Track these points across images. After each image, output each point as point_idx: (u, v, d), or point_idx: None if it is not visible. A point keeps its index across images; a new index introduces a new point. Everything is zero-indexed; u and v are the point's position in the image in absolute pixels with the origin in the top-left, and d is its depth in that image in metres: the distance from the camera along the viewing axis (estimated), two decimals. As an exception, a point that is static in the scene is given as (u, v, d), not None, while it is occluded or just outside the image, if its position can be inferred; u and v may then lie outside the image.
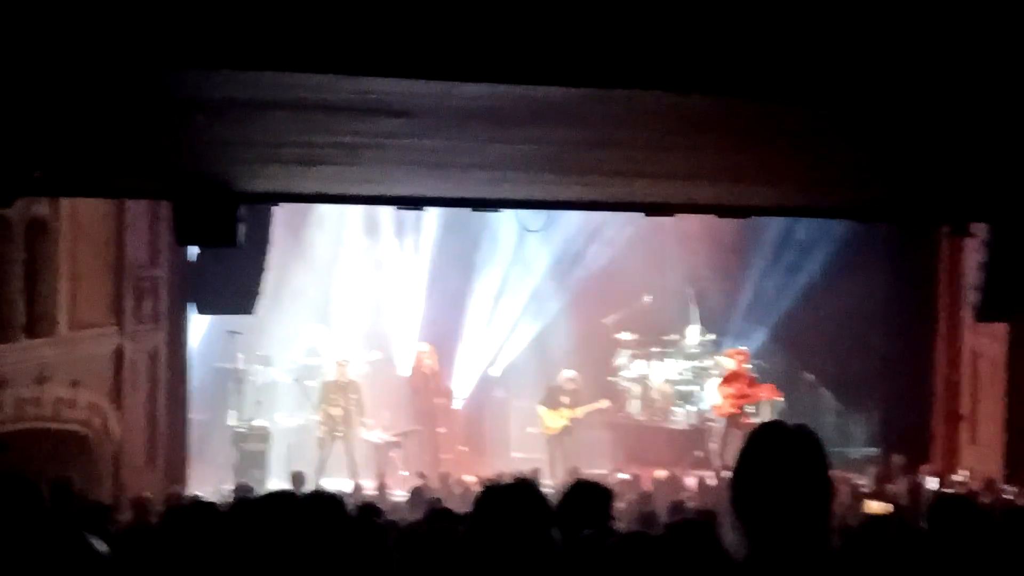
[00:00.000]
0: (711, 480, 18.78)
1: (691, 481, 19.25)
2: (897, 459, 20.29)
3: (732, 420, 21.81)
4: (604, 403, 22.71)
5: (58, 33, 5.85)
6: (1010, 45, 6.28)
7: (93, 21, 5.80)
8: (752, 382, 22.27)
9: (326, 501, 7.42)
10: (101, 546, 5.08)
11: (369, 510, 10.73)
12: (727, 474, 18.89)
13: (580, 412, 22.32)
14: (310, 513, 5.23)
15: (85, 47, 5.95)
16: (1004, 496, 16.37)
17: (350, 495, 16.73)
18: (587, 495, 7.03)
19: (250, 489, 15.98)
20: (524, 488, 4.47)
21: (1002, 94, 6.89)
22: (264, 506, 5.19)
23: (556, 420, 22.28)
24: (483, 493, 4.48)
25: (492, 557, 4.33)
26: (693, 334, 24.48)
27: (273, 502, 5.30)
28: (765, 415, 21.84)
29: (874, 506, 14.87)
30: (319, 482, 19.77)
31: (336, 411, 21.06)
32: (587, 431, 23.05)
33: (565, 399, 22.38)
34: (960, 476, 19.54)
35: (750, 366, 22.72)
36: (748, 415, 21.78)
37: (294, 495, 5.87)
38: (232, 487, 17.28)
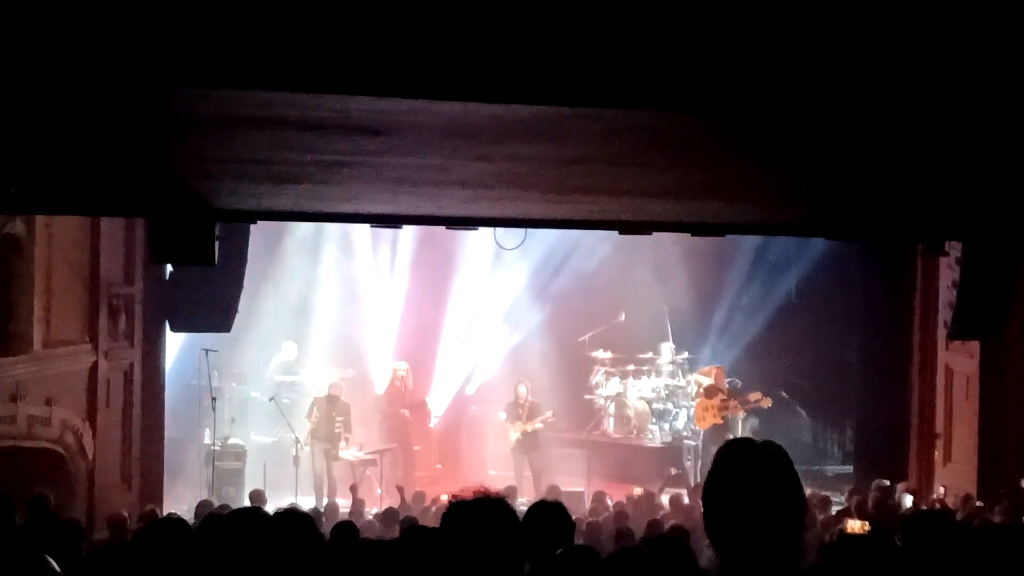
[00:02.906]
0: (685, 498, 18.80)
1: (666, 499, 19.25)
2: (872, 477, 20.32)
3: (710, 436, 21.88)
4: (548, 415, 22.68)
5: (34, 51, 5.84)
6: (984, 66, 6.32)
7: (70, 39, 5.80)
8: (733, 394, 22.36)
9: (298, 519, 7.41)
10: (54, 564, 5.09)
11: (344, 528, 10.72)
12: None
13: (529, 426, 22.34)
14: (282, 531, 5.22)
15: (61, 65, 5.95)
16: (979, 513, 16.41)
17: (324, 513, 16.70)
18: (549, 515, 7.04)
19: (227, 507, 15.95)
20: (491, 503, 4.48)
21: (976, 114, 6.93)
22: (235, 523, 5.18)
23: (512, 432, 22.34)
24: (450, 509, 4.48)
25: (461, 572, 4.33)
26: (667, 351, 24.54)
27: (244, 519, 5.29)
28: (739, 432, 21.91)
29: (853, 525, 14.88)
30: (296, 500, 19.77)
31: (338, 429, 21.07)
32: (562, 449, 23.09)
33: (521, 411, 22.44)
34: (936, 493, 19.61)
35: (725, 383, 22.79)
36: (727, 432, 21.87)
37: (264, 513, 5.87)
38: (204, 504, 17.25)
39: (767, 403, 22.29)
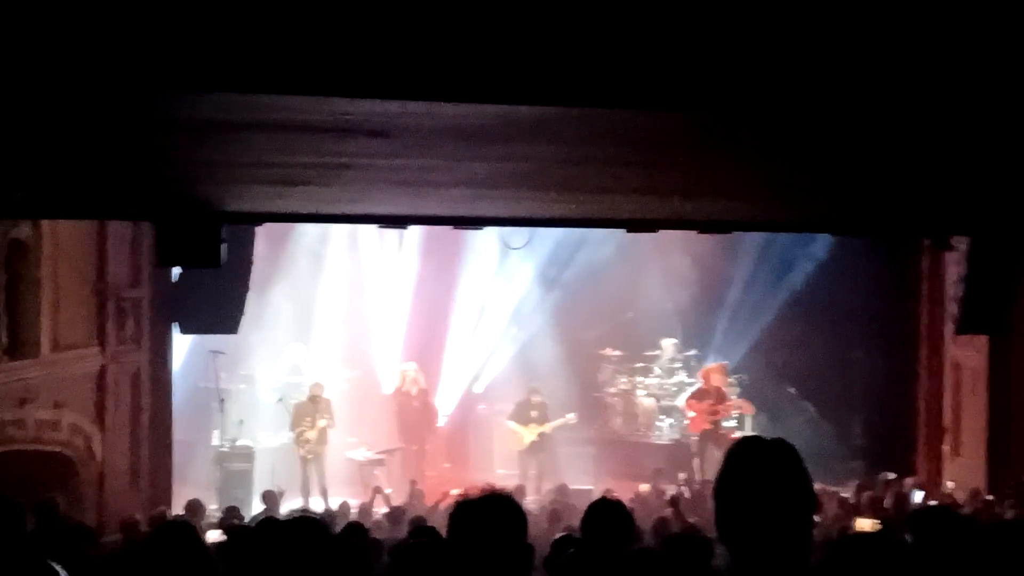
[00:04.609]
0: (687, 494, 18.80)
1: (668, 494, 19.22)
2: (881, 472, 20.31)
3: (707, 435, 21.91)
4: (571, 417, 22.71)
5: (38, 55, 5.85)
6: (989, 60, 6.32)
7: (74, 43, 5.81)
8: (723, 398, 22.36)
9: (310, 522, 7.41)
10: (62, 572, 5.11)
11: (354, 530, 10.74)
12: (697, 488, 19.03)
13: (548, 427, 22.36)
14: (295, 534, 5.23)
15: (67, 69, 5.96)
16: (989, 507, 16.41)
17: (334, 513, 16.72)
18: (608, 514, 7.01)
19: (237, 511, 15.97)
20: (499, 500, 4.47)
21: (982, 109, 6.93)
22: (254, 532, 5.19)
23: (526, 435, 22.32)
24: (457, 507, 4.48)
25: (470, 570, 4.32)
26: (668, 347, 24.54)
27: (262, 526, 5.30)
28: (746, 429, 21.92)
29: (863, 523, 14.88)
30: (308, 501, 19.82)
31: (311, 433, 21.03)
32: (571, 447, 23.09)
33: (534, 413, 22.41)
34: (946, 488, 19.59)
35: (732, 379, 22.79)
36: (728, 430, 21.88)
37: (277, 519, 5.88)
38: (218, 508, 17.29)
39: (749, 410, 22.36)
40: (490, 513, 4.39)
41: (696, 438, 22.58)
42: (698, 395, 22.49)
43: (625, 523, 6.92)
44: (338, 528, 11.52)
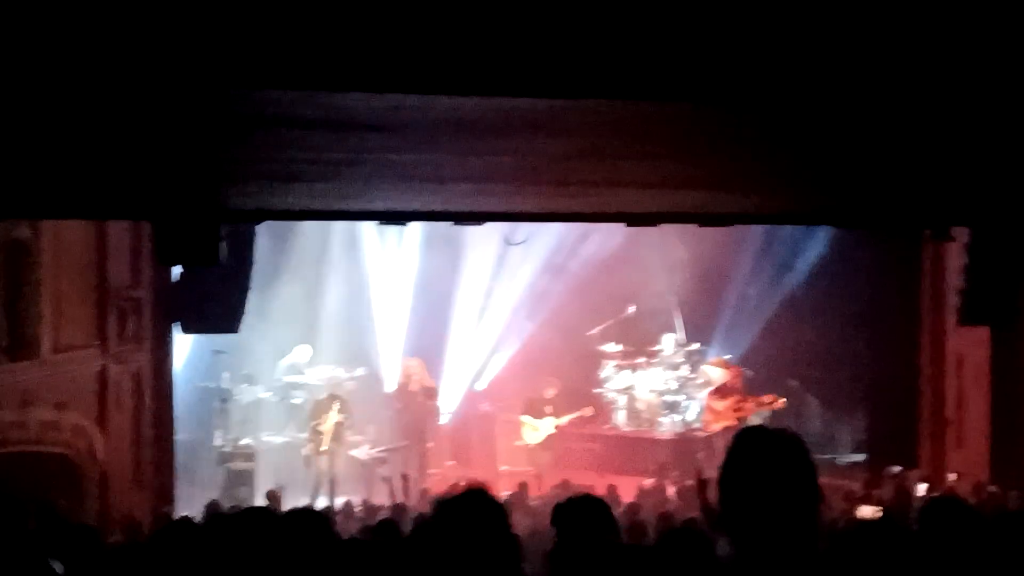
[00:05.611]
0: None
1: (673, 490, 19.18)
2: (884, 465, 20.27)
3: (731, 431, 21.77)
4: (588, 410, 22.68)
5: (36, 53, 5.83)
6: (988, 51, 6.30)
7: (70, 41, 5.79)
8: (745, 395, 22.25)
9: (311, 519, 7.39)
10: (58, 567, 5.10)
11: (387, 527, 10.64)
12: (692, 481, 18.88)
13: (565, 420, 22.33)
14: (295, 531, 5.21)
15: (62, 68, 5.94)
16: (993, 499, 16.37)
17: (336, 511, 16.70)
18: (583, 510, 6.93)
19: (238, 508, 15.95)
20: (473, 495, 4.46)
21: (980, 99, 6.91)
22: (246, 523, 5.17)
23: (543, 428, 22.27)
24: (436, 508, 4.47)
25: (456, 566, 4.31)
26: (669, 342, 24.48)
27: (255, 519, 5.28)
28: (753, 421, 21.83)
29: (865, 511, 14.85)
30: (316, 499, 19.78)
31: (326, 427, 21.02)
32: (574, 442, 23.05)
33: (548, 408, 22.39)
34: (949, 480, 19.56)
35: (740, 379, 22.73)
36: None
37: (275, 513, 5.86)
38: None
39: (781, 404, 22.14)
40: (467, 509, 4.37)
41: (707, 435, 22.50)
42: (723, 391, 22.37)
43: (603, 517, 6.83)
44: (342, 528, 11.49)
